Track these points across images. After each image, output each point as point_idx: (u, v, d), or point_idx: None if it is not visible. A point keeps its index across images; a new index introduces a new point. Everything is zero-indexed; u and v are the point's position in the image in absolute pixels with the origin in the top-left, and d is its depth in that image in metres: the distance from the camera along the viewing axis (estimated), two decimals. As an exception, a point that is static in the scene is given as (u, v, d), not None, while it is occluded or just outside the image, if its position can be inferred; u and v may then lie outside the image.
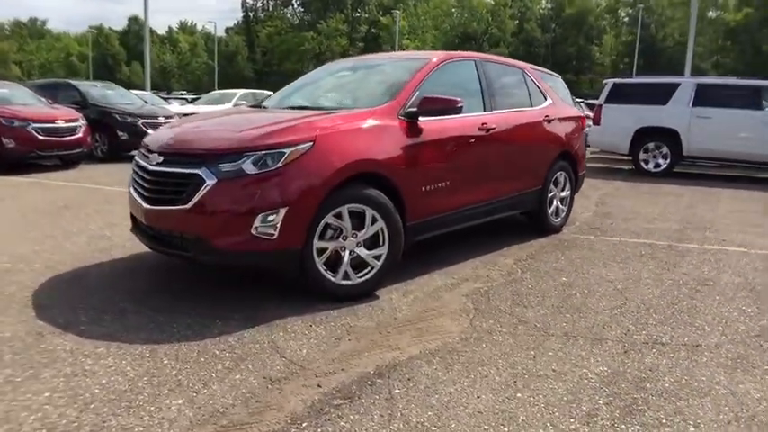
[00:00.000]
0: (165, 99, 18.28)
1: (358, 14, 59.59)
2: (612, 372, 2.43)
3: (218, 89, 26.45)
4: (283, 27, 59.87)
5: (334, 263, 3.12)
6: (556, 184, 5.03)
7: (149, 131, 8.72)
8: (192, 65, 65.90)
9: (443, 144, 3.66)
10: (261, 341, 2.61)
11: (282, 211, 2.83)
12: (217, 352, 2.48)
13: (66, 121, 8.89)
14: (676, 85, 9.86)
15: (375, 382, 2.26)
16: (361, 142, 3.18)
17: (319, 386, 2.21)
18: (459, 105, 3.48)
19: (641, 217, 5.99)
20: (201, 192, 2.82)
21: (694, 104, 9.48)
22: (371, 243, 3.21)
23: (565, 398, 2.19)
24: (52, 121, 8.67)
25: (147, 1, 22.45)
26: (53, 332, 2.64)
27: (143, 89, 21.09)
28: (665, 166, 9.85)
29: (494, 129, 4.10)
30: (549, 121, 4.86)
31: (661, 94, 9.83)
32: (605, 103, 10.26)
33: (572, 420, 2.04)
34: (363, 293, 3.20)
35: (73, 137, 8.86)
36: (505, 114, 4.35)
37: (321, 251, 3.05)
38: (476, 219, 4.11)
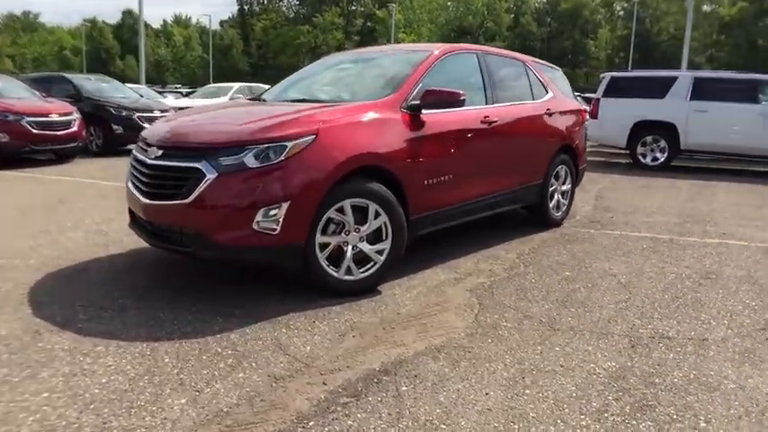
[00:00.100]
0: (160, 93, 18.10)
1: (354, 8, 59.30)
2: (620, 367, 2.40)
3: (214, 83, 26.24)
4: (279, 20, 59.54)
5: (336, 258, 3.07)
6: (557, 177, 4.99)
7: (145, 125, 8.61)
8: (187, 58, 65.44)
9: (446, 137, 3.62)
10: (263, 338, 2.57)
11: (285, 206, 2.78)
12: (219, 349, 2.44)
13: (61, 114, 8.77)
14: (674, 79, 9.84)
15: (381, 379, 2.22)
16: (363, 135, 3.13)
17: (325, 384, 2.17)
18: (462, 98, 3.43)
19: (641, 210, 5.97)
20: (202, 186, 2.77)
21: (692, 98, 9.46)
22: (374, 238, 3.17)
23: (574, 394, 2.16)
24: (46, 115, 8.55)
25: (140, -7, 22.20)
26: (51, 330, 2.58)
27: (137, 83, 20.89)
28: (662, 159, 9.85)
29: (496, 122, 4.06)
30: (551, 115, 4.82)
31: (658, 88, 9.80)
32: (603, 96, 10.23)
33: (582, 417, 2.01)
34: (366, 289, 3.15)
35: (67, 131, 8.75)
36: (507, 107, 4.30)
37: (323, 246, 3.01)
38: (478, 213, 4.07)
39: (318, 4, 58.17)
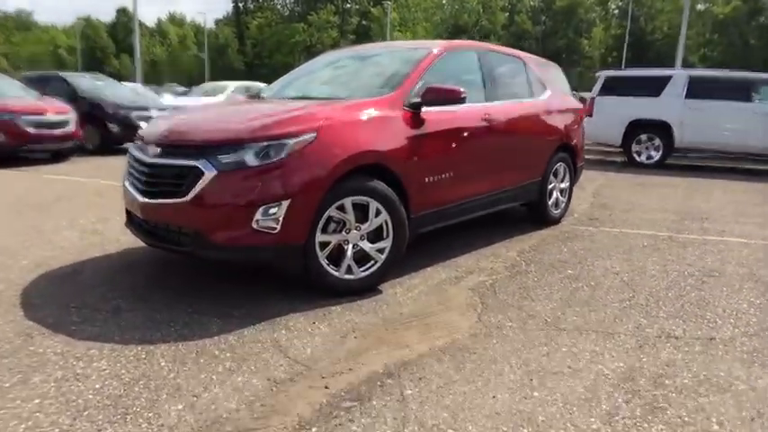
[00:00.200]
0: (155, 91, 17.95)
1: (348, 6, 59.12)
2: (629, 368, 2.35)
3: (209, 81, 26.08)
4: (274, 19, 59.27)
5: (336, 257, 3.01)
6: (556, 175, 4.95)
7: (141, 124, 8.52)
8: (182, 57, 65.09)
9: (446, 135, 3.56)
10: (263, 340, 2.50)
11: (285, 204, 2.72)
12: (217, 352, 2.37)
13: (57, 113, 8.66)
14: (669, 78, 9.84)
15: (385, 382, 2.16)
16: (364, 133, 3.07)
17: (327, 387, 2.11)
18: (462, 96, 3.37)
19: (638, 208, 5.94)
20: (201, 184, 2.69)
21: (687, 97, 9.46)
22: (375, 236, 3.11)
23: (583, 396, 2.11)
24: (42, 114, 8.45)
25: (134, -8, 22.06)
26: (43, 333, 2.51)
27: (133, 82, 20.72)
28: (657, 157, 9.84)
29: (496, 119, 4.00)
30: (549, 113, 4.78)
31: (653, 87, 9.80)
32: (598, 95, 10.21)
33: (593, 420, 1.96)
34: (367, 288, 3.09)
35: (63, 130, 8.64)
36: (507, 105, 4.25)
37: (324, 245, 2.94)
38: (478, 210, 4.02)
39: (313, 2, 57.93)
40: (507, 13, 57.04)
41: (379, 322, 2.75)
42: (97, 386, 2.07)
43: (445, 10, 56.60)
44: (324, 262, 2.95)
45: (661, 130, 9.64)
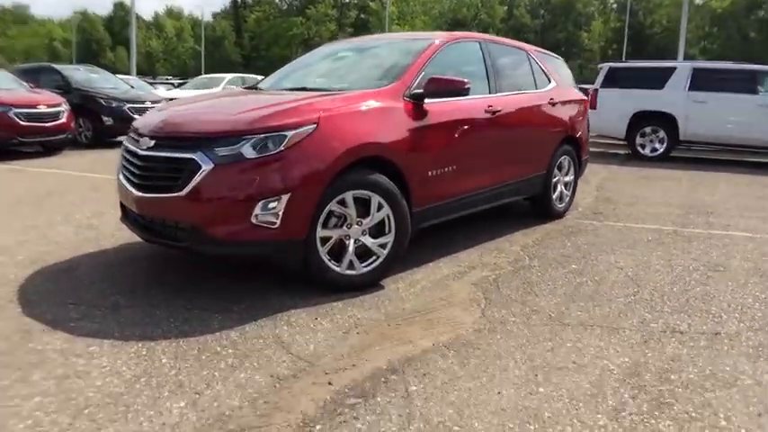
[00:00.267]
0: (151, 84, 17.84)
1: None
2: (634, 363, 2.32)
3: (205, 74, 25.90)
4: (271, 12, 58.93)
5: (338, 252, 2.97)
6: (560, 168, 4.91)
7: (136, 116, 8.45)
8: (179, 50, 64.70)
9: (449, 127, 3.51)
10: (264, 336, 2.47)
11: (284, 198, 2.67)
12: (218, 349, 2.33)
13: (49, 105, 8.58)
14: (672, 70, 9.78)
15: (389, 378, 2.13)
16: (365, 125, 3.02)
17: (330, 384, 2.07)
18: (466, 87, 3.33)
19: (642, 202, 5.91)
20: (197, 178, 2.65)
21: (690, 89, 9.41)
22: (376, 231, 3.07)
23: (589, 392, 2.08)
24: (34, 106, 8.36)
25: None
26: (41, 330, 2.47)
27: (128, 74, 20.58)
28: (661, 150, 9.80)
29: (499, 111, 3.96)
30: (554, 105, 4.73)
31: (657, 79, 9.74)
32: (601, 87, 10.15)
33: (599, 416, 1.93)
34: (369, 284, 3.06)
35: (56, 122, 8.55)
36: (511, 97, 4.21)
37: (325, 240, 2.90)
38: (481, 204, 3.98)
39: (311, -6, 57.59)
40: (506, 7, 56.79)
41: (381, 318, 2.71)
42: (98, 383, 2.04)
43: (444, 3, 56.30)
44: (325, 257, 2.91)
45: (665, 122, 9.59)
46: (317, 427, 1.81)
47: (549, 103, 4.67)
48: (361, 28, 53.87)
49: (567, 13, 55.73)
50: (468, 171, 3.68)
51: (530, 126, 4.44)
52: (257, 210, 2.66)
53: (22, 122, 8.11)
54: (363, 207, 2.99)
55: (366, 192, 2.95)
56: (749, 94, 9.13)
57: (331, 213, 2.90)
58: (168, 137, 2.88)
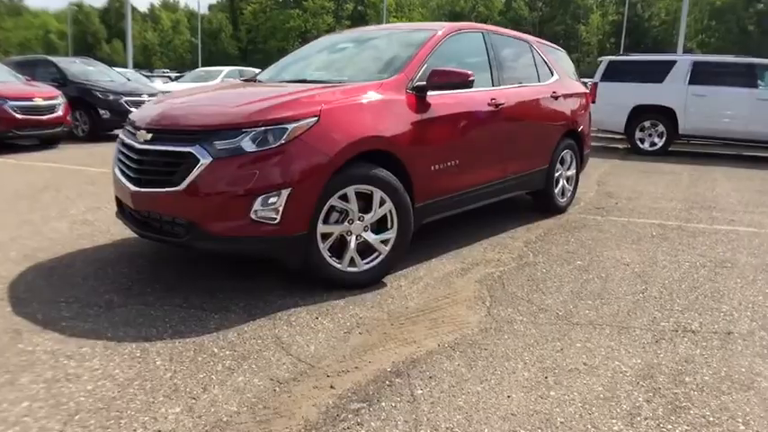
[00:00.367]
0: (147, 77, 17.66)
1: (344, -9, 58.38)
2: (647, 364, 2.25)
3: (202, 67, 25.64)
4: (268, 4, 58.47)
5: (339, 249, 2.89)
6: (562, 162, 4.83)
7: (132, 109, 8.33)
8: (175, 42, 64.23)
9: (453, 120, 3.42)
10: (263, 336, 2.38)
11: (284, 193, 2.58)
12: (216, 350, 2.25)
13: (45, 98, 8.46)
14: (672, 63, 9.69)
15: (394, 381, 2.05)
16: (367, 118, 2.92)
17: (332, 387, 1.99)
18: (470, 79, 3.23)
19: (644, 196, 5.84)
20: (195, 172, 2.55)
21: (690, 82, 9.33)
22: (378, 227, 2.98)
23: (602, 395, 2.01)
24: (30, 99, 8.25)
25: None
26: (32, 330, 2.38)
27: (124, 67, 20.37)
28: (660, 144, 9.73)
29: (503, 104, 3.86)
30: (557, 98, 4.64)
31: (657, 72, 9.66)
32: (601, 81, 10.06)
33: (614, 421, 1.86)
34: (370, 281, 2.97)
35: (52, 115, 8.44)
36: (514, 89, 4.12)
37: (325, 236, 2.82)
38: (484, 199, 3.90)
39: (308, -13, 57.14)
40: (504, -1, 56.49)
41: (384, 317, 2.63)
42: (89, 387, 1.95)
43: (442, -5, 55.99)
44: (326, 254, 2.82)
45: (665, 116, 9.52)
46: (320, 433, 1.74)
47: (552, 96, 4.58)
48: (358, 20, 53.56)
49: (565, 5, 55.48)
50: (471, 165, 3.60)
51: (533, 119, 4.35)
52: (257, 205, 2.57)
53: (17, 115, 8.00)
54: (365, 202, 2.90)
55: (368, 186, 2.86)
56: (749, 88, 9.06)
57: (332, 209, 2.82)
58: (165, 130, 2.78)
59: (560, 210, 4.87)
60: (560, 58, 5.23)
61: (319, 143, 2.67)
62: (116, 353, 2.20)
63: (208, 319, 2.53)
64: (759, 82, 9.10)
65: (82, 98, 9.62)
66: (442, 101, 3.33)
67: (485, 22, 51.12)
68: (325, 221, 2.80)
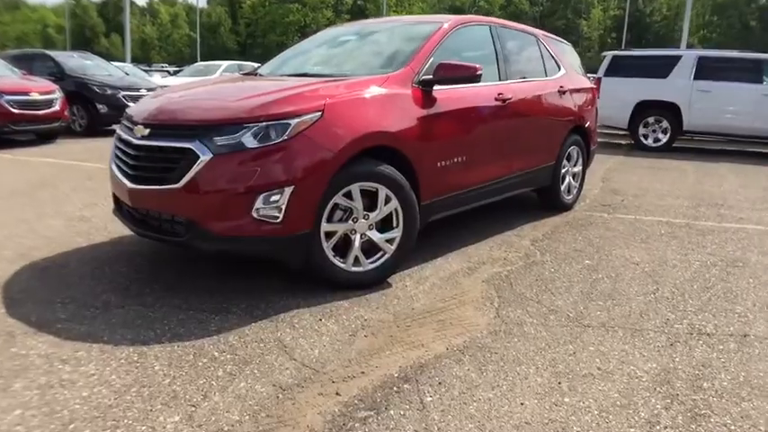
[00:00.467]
0: (146, 71, 17.53)
1: (343, -15, 58.06)
2: (663, 369, 2.17)
3: (201, 61, 25.47)
4: (267, -2, 58.16)
5: (342, 248, 2.80)
6: (569, 159, 4.74)
7: (131, 104, 8.22)
8: (173, 37, 63.91)
9: (459, 116, 3.33)
10: (265, 339, 2.30)
11: (287, 191, 2.49)
12: (216, 354, 2.17)
13: (42, 93, 8.36)
14: (677, 58, 9.59)
15: (402, 387, 1.97)
16: (373, 112, 2.83)
17: (338, 394, 1.91)
18: (478, 73, 3.13)
19: (650, 193, 5.75)
20: (195, 169, 2.46)
21: (696, 78, 9.23)
22: (383, 225, 2.89)
23: (618, 402, 1.93)
24: (27, 94, 8.14)
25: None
26: (26, 332, 2.29)
27: (123, 61, 20.22)
28: (664, 140, 9.63)
29: (510, 99, 3.77)
30: (564, 93, 4.54)
31: (661, 67, 9.54)
32: (604, 76, 9.94)
33: (632, 430, 1.78)
34: (375, 281, 2.89)
35: (49, 110, 8.35)
36: (521, 84, 4.02)
37: (329, 235, 2.73)
38: (491, 196, 3.81)
39: (308, -19, 56.80)
40: (505, -7, 56.15)
41: (390, 318, 2.55)
42: (84, 394, 1.87)
43: (442, -11, 55.64)
44: (329, 253, 2.74)
45: (669, 111, 9.42)
46: (326, 444, 1.66)
47: (559, 91, 4.49)
48: (357, 14, 53.28)
49: (566, 0, 55.20)
50: (477, 162, 3.51)
51: (540, 115, 4.26)
52: (258, 203, 2.49)
53: (14, 110, 7.91)
54: (370, 200, 2.81)
55: (373, 184, 2.77)
56: (755, 84, 8.96)
57: (336, 207, 2.73)
58: (164, 125, 2.69)
59: (566, 207, 4.79)
60: (567, 52, 5.13)
61: (323, 139, 2.58)
62: (113, 357, 2.11)
63: (208, 320, 2.45)
64: (765, 78, 9.00)
65: (79, 93, 9.51)
66: (449, 95, 3.24)
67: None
68: (329, 220, 2.71)
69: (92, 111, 9.56)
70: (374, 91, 2.91)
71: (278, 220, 2.51)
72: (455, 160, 3.29)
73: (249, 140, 2.48)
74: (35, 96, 8.21)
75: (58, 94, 8.60)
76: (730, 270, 3.39)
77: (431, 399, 1.90)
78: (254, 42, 57.05)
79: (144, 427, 1.70)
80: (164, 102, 2.93)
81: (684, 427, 1.81)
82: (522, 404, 1.90)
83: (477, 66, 3.13)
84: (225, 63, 14.80)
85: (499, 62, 3.87)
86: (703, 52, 10.11)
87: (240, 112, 2.56)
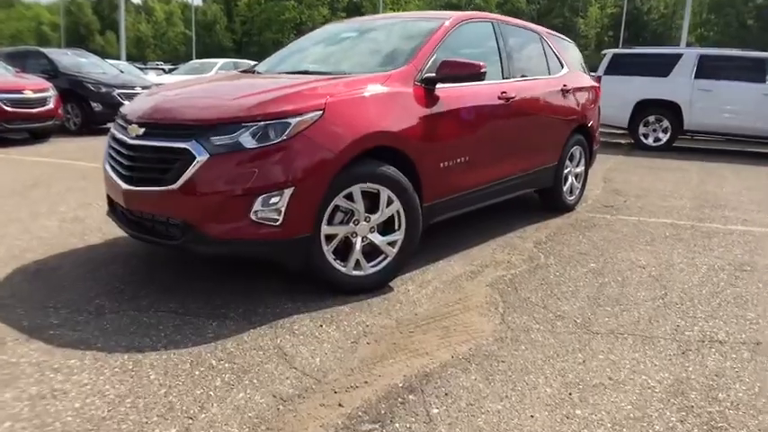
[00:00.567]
0: (141, 69, 17.39)
1: (340, -17, 57.85)
2: (676, 379, 2.10)
3: (196, 59, 25.32)
4: (263, -4, 57.90)
5: (343, 251, 2.72)
6: (571, 159, 4.67)
7: (125, 102, 8.11)
8: (169, 34, 63.60)
9: (462, 114, 3.25)
10: (265, 347, 2.22)
11: (287, 193, 2.41)
12: (214, 362, 2.09)
13: (36, 91, 8.24)
14: (678, 57, 9.52)
15: (407, 398, 1.89)
16: (375, 112, 2.75)
17: (341, 405, 1.84)
18: (482, 70, 3.06)
19: (653, 194, 5.69)
20: (191, 169, 2.38)
21: (697, 76, 9.17)
22: (385, 228, 2.82)
23: (632, 414, 1.86)
24: (20, 92, 8.03)
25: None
26: (16, 339, 2.21)
27: (117, 59, 20.06)
28: (665, 140, 9.57)
29: (513, 98, 3.70)
30: (567, 91, 4.47)
31: (662, 66, 9.47)
32: (604, 74, 9.88)
33: (647, 445, 1.71)
34: (377, 285, 2.82)
35: (43, 108, 8.22)
36: (525, 83, 3.95)
37: (330, 238, 2.65)
38: (494, 197, 3.74)
39: (304, -22, 56.58)
40: (502, -9, 56.05)
41: (392, 324, 2.48)
42: (77, 405, 1.79)
43: (439, -13, 55.48)
44: (330, 257, 2.66)
45: (669, 111, 9.36)
46: (330, 461, 1.58)
47: (563, 90, 4.42)
48: (353, 12, 53.11)
49: (563, -2, 55.18)
50: (480, 162, 3.44)
51: (543, 114, 4.18)
52: (257, 205, 2.40)
53: (7, 108, 7.80)
54: (371, 202, 2.74)
55: (375, 185, 2.69)
56: (757, 83, 8.90)
57: (337, 209, 2.65)
58: (159, 124, 2.60)
59: (569, 208, 4.72)
60: (570, 50, 5.06)
61: (324, 139, 2.49)
62: (106, 365, 2.03)
63: (205, 326, 2.37)
64: (767, 77, 8.95)
65: (74, 90, 9.39)
66: (451, 94, 3.16)
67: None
68: (330, 222, 2.64)
69: (86, 109, 9.44)
70: (376, 89, 2.83)
71: (277, 223, 2.43)
72: (458, 161, 3.22)
73: (247, 140, 2.40)
74: (29, 94, 8.10)
75: (51, 92, 8.49)
76: (738, 274, 3.33)
77: (437, 411, 1.83)
78: (250, 40, 56.80)
79: (138, 443, 1.62)
80: (159, 100, 2.84)
81: (701, 441, 1.74)
82: (532, 416, 1.82)
83: (482, 63, 3.05)
84: (221, 61, 14.69)
85: (502, 60, 3.80)
86: (704, 51, 10.05)
87: (238, 110, 2.48)
